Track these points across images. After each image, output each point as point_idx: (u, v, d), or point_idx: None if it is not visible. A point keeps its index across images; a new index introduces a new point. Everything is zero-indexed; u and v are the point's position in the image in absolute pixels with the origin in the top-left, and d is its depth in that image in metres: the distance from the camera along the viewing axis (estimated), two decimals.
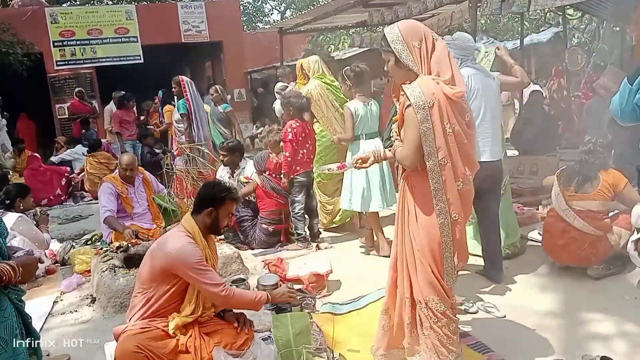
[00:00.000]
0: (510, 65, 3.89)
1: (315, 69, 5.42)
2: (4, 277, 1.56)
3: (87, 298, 4.07)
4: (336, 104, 5.30)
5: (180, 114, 6.76)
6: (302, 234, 4.93)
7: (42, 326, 3.63)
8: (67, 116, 12.22)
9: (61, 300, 4.13)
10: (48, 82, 12.23)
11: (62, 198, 8.53)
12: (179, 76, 6.87)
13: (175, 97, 6.97)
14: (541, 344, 2.93)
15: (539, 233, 4.47)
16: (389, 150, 2.69)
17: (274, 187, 5.01)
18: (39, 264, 4.45)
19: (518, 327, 3.14)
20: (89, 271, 4.53)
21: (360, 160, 2.71)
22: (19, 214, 4.53)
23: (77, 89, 11.89)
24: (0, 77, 10.60)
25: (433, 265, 2.44)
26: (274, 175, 5.06)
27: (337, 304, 3.54)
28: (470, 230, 4.22)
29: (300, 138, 4.86)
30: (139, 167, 5.34)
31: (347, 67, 4.72)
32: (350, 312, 3.43)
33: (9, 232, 4.32)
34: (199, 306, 2.87)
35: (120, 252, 4.34)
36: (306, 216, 5.03)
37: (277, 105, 6.12)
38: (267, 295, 2.84)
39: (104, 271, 3.95)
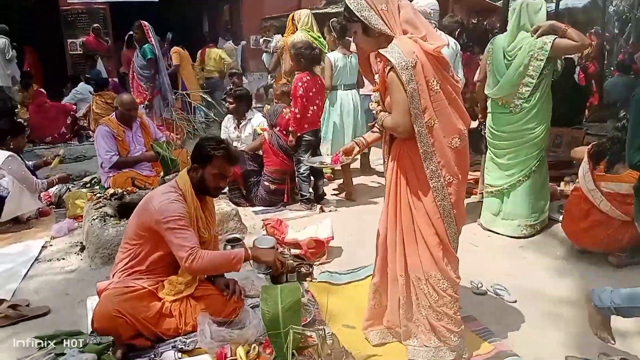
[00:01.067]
0: (563, 30, 3.56)
1: (305, 22, 5.46)
2: None
3: (76, 245, 3.91)
4: None
5: (147, 60, 6.55)
6: (306, 195, 4.69)
7: (27, 272, 3.48)
8: (80, 52, 11.87)
9: (50, 245, 3.97)
10: (60, 15, 11.82)
11: (67, 137, 8.36)
12: (141, 21, 6.66)
13: (136, 43, 6.76)
14: (554, 336, 2.69)
15: (559, 211, 4.19)
16: (372, 131, 2.57)
17: (281, 145, 4.73)
18: (28, 215, 4.39)
19: (529, 314, 2.89)
20: (82, 216, 4.35)
21: (344, 152, 2.60)
22: (10, 153, 4.32)
23: (94, 25, 11.49)
24: (9, 7, 10.24)
25: (433, 237, 2.30)
26: (283, 132, 4.77)
27: (336, 273, 3.33)
28: (494, 203, 3.99)
29: (310, 93, 4.54)
30: (139, 112, 5.09)
31: (334, 18, 4.73)
32: (349, 283, 3.22)
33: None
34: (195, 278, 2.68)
35: (115, 199, 4.13)
36: (311, 177, 4.76)
37: (265, 58, 6.34)
38: (247, 253, 2.60)
39: (94, 219, 3.76)
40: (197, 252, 2.46)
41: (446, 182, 2.24)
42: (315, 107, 4.62)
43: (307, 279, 3.23)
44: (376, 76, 2.37)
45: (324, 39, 5.62)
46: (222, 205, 4.07)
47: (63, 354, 2.45)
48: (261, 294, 2.41)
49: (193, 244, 2.48)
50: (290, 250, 3.54)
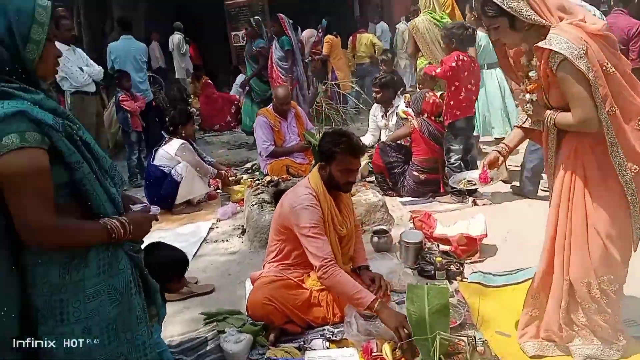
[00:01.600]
0: None
1: (427, 5, 5.27)
2: (114, 235, 1.50)
3: (238, 228, 4.23)
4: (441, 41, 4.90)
5: (285, 51, 6.69)
6: (456, 187, 4.46)
7: (196, 252, 3.87)
8: (241, 44, 12.76)
9: (216, 227, 4.37)
10: (225, 9, 12.79)
11: (232, 125, 9.08)
12: (278, 14, 6.80)
13: (275, 36, 6.88)
14: None
15: None
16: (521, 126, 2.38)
17: (432, 133, 4.56)
18: (199, 199, 4.86)
19: None
20: (244, 200, 4.69)
21: (488, 164, 2.42)
22: (183, 141, 4.80)
23: (255, 17, 12.24)
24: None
25: (614, 237, 2.10)
26: (432, 118, 4.60)
27: (490, 274, 3.12)
28: None
29: (462, 75, 4.27)
30: (292, 102, 5.31)
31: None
32: (504, 286, 3.00)
33: (173, 157, 4.67)
34: None
35: (271, 186, 4.38)
36: (463, 166, 4.52)
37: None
38: (373, 304, 2.38)
39: (253, 205, 4.03)
40: (329, 268, 2.48)
41: (633, 173, 2.03)
42: (466, 92, 4.34)
43: (457, 278, 3.09)
44: (532, 73, 2.16)
45: (464, 18, 5.46)
46: (369, 195, 4.08)
47: (224, 332, 2.68)
48: (407, 292, 2.35)
49: (326, 254, 2.51)
50: (438, 246, 3.42)
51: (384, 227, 3.65)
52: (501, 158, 2.41)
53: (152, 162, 4.82)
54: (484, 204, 4.37)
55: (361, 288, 2.48)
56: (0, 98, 1.36)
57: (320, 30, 10.74)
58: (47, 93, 1.49)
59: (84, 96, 5.69)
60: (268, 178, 4.56)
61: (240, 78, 9.65)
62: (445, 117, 4.39)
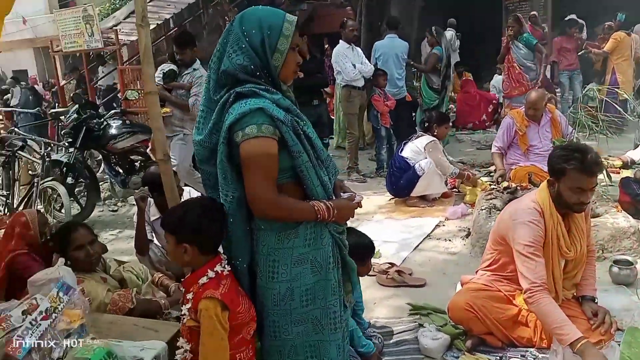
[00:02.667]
0: None
1: None
2: (319, 216, 1.75)
3: (463, 230, 4.22)
4: None
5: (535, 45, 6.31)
6: None
7: (417, 245, 4.02)
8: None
9: (443, 225, 4.43)
10: (502, 3, 12.34)
11: (486, 124, 8.86)
12: (516, 14, 6.56)
13: (513, 34, 6.43)
14: None
15: None
16: None
17: None
18: (434, 196, 4.96)
19: None
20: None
21: None
22: (433, 138, 4.98)
23: (531, 13, 11.57)
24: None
25: None
26: None
27: None
28: None
29: None
30: (550, 106, 4.92)
31: None
32: None
33: (421, 151, 4.89)
34: (553, 292, 2.51)
35: (507, 193, 4.21)
36: None
37: None
38: (575, 345, 2.13)
39: (482, 209, 3.96)
40: (536, 293, 2.32)
41: None
42: None
43: None
44: None
45: None
46: (619, 219, 3.57)
47: (423, 326, 2.78)
48: (625, 335, 2.07)
49: (536, 278, 2.34)
50: None
51: (629, 258, 3.17)
52: None
53: (400, 153, 5.13)
54: None
55: (567, 323, 2.25)
56: (249, 96, 1.73)
57: (612, 24, 9.26)
58: (285, 94, 1.83)
59: (351, 90, 6.32)
60: (505, 184, 4.39)
61: (496, 77, 9.34)
62: None
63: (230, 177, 1.76)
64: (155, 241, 3.25)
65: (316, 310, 1.83)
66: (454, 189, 5.36)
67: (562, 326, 2.24)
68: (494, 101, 8.90)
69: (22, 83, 13.35)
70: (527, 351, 2.52)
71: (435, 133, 5.09)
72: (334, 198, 1.88)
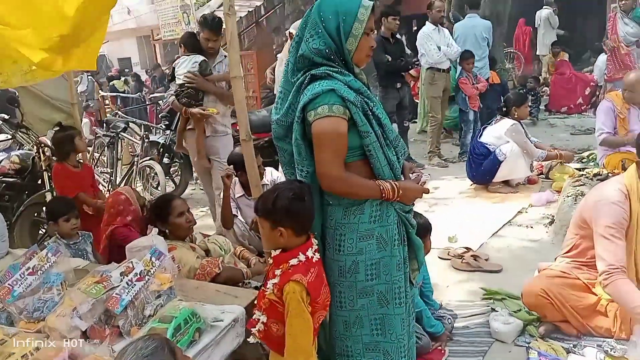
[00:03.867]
0: None
1: None
2: (384, 195, 1.82)
3: (547, 217, 4.08)
4: None
5: None
6: None
7: (497, 231, 3.94)
8: None
9: (526, 212, 4.31)
10: None
11: (582, 107, 8.33)
12: None
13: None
14: None
15: None
16: None
17: None
18: (518, 181, 4.81)
19: None
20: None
21: None
22: (514, 121, 4.80)
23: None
24: None
25: None
26: None
27: None
28: None
29: None
30: None
31: None
32: None
33: (502, 136, 4.75)
34: (634, 279, 2.42)
35: (596, 180, 4.00)
36: None
37: None
38: None
39: (568, 196, 3.80)
40: (613, 275, 2.25)
41: None
42: None
43: None
44: None
45: None
46: None
47: (496, 310, 2.76)
48: None
49: (614, 261, 2.27)
50: None
51: None
52: None
53: (479, 138, 5.01)
54: None
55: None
56: (323, 78, 1.82)
57: None
58: (357, 76, 1.90)
59: (435, 72, 6.22)
60: (596, 170, 4.16)
61: (601, 58, 8.68)
62: None
63: (305, 154, 1.88)
64: (240, 217, 3.47)
65: (381, 285, 1.90)
66: (541, 175, 5.15)
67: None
68: (591, 83, 8.33)
69: (126, 70, 14.44)
70: (604, 341, 2.43)
71: (515, 115, 4.90)
72: (402, 179, 1.93)
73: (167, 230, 2.75)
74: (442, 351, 2.56)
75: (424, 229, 2.65)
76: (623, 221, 2.35)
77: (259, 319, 1.85)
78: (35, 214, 4.36)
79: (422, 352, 2.44)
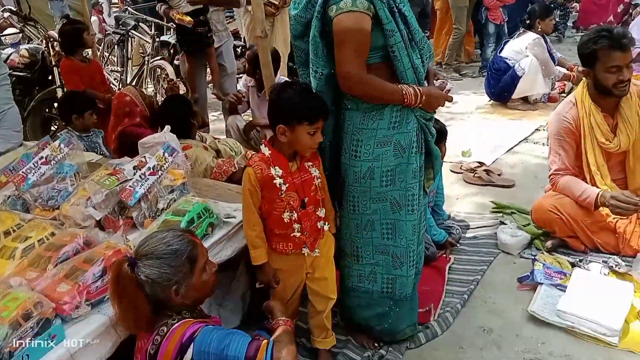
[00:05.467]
0: None
1: None
2: (405, 100, 1.74)
3: None
4: None
5: None
6: None
7: (512, 147, 3.91)
8: None
9: (544, 130, 4.17)
10: None
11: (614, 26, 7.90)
12: None
13: None
14: None
15: None
16: None
17: None
18: (536, 98, 4.65)
19: None
20: None
21: None
22: (537, 35, 4.59)
23: None
24: None
25: None
26: None
27: None
28: None
29: None
30: None
31: None
32: None
33: (522, 50, 4.55)
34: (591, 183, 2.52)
35: None
36: None
37: None
38: (600, 200, 2.39)
39: None
40: (560, 177, 2.52)
41: None
42: None
43: None
44: None
45: None
46: None
47: (505, 223, 2.78)
48: None
49: (558, 167, 2.52)
50: None
51: None
52: None
53: (499, 53, 4.81)
54: None
55: (588, 187, 2.44)
56: None
57: None
58: None
59: None
60: None
61: None
62: None
63: (321, 54, 1.78)
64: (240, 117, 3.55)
65: (395, 192, 1.88)
66: (562, 94, 4.99)
67: (584, 191, 2.42)
68: (625, 0, 7.84)
69: None
70: (610, 257, 2.45)
71: (539, 29, 4.66)
72: (425, 84, 1.85)
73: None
74: (448, 258, 2.61)
75: (440, 133, 2.62)
76: (563, 130, 2.51)
77: None
78: (47, 110, 4.33)
79: (429, 261, 2.48)
